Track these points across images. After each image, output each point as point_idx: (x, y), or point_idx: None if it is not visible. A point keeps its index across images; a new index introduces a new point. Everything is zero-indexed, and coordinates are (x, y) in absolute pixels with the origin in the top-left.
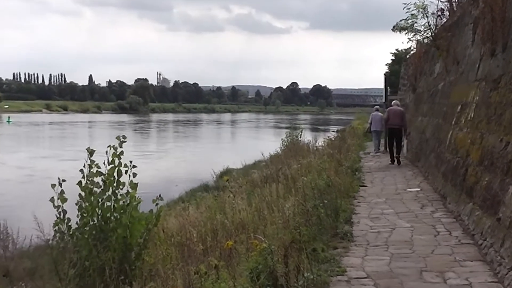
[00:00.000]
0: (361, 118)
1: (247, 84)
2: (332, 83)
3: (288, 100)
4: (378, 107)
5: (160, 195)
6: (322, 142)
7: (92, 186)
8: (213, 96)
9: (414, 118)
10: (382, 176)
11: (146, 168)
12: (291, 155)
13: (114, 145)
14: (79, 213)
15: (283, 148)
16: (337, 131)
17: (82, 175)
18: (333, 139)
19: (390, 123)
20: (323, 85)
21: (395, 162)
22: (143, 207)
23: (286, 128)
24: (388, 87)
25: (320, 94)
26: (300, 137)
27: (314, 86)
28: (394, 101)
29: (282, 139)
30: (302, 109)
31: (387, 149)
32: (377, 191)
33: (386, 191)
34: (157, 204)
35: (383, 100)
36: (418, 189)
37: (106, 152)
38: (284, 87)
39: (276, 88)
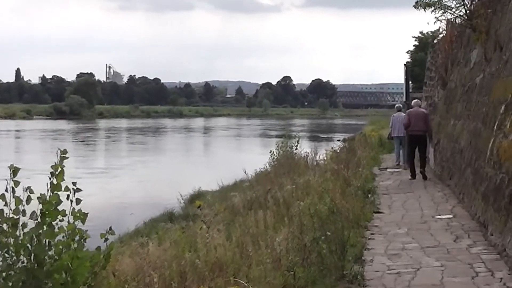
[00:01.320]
0: (376, 123)
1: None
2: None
3: (279, 100)
4: (400, 106)
5: (110, 228)
6: (325, 155)
7: (17, 216)
8: (180, 95)
9: (444, 122)
10: (403, 199)
11: (92, 191)
12: (283, 172)
13: (56, 162)
14: (1, 252)
15: (273, 163)
16: (343, 140)
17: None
18: (338, 150)
19: (412, 129)
20: (324, 80)
21: (422, 177)
22: (88, 243)
23: (277, 136)
24: (410, 82)
25: (321, 91)
26: (296, 148)
27: (313, 81)
28: (414, 101)
29: (271, 151)
30: (297, 111)
31: (408, 161)
32: (396, 219)
33: (408, 219)
34: (106, 240)
35: (404, 99)
36: (451, 216)
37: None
38: (274, 82)
39: (263, 84)
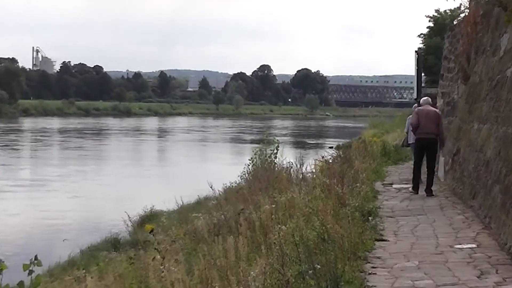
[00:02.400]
0: (378, 126)
1: (186, 69)
2: (329, 68)
3: (255, 96)
4: (416, 105)
5: (36, 257)
6: (313, 166)
7: None
8: (128, 88)
9: (465, 126)
10: (414, 223)
11: (16, 208)
12: (260, 187)
13: None
14: None
15: (247, 176)
16: (337, 148)
17: None
18: (330, 161)
19: (421, 131)
20: (313, 70)
21: (426, 193)
22: (8, 277)
23: (253, 142)
24: (423, 74)
25: (308, 85)
26: (276, 157)
27: (298, 72)
28: (424, 98)
29: (249, 159)
30: (279, 110)
31: (414, 170)
32: (404, 249)
33: (419, 249)
34: (31, 272)
35: (415, 95)
36: (474, 245)
37: None
38: (249, 73)
39: (234, 75)
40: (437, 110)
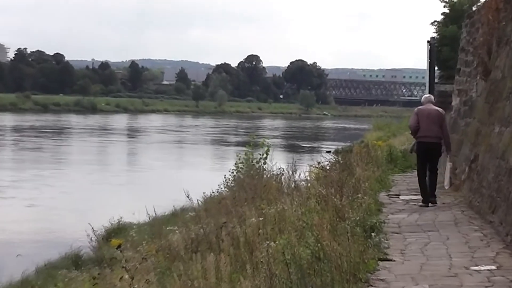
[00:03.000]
0: (384, 128)
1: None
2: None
3: (242, 91)
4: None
5: None
6: (307, 174)
7: None
8: (93, 80)
9: (485, 129)
10: (423, 241)
11: None
12: (246, 197)
13: None
14: None
15: (230, 184)
16: (335, 152)
17: None
18: (328, 167)
19: (422, 134)
20: (309, 62)
21: (429, 202)
22: None
23: (238, 145)
24: (436, 68)
25: (303, 79)
26: (265, 163)
27: (292, 64)
28: (425, 96)
29: (234, 164)
30: (269, 108)
31: (419, 180)
32: (412, 270)
33: (430, 270)
34: None
35: (426, 93)
36: (493, 267)
37: None
38: (234, 64)
39: (217, 66)
40: (440, 110)
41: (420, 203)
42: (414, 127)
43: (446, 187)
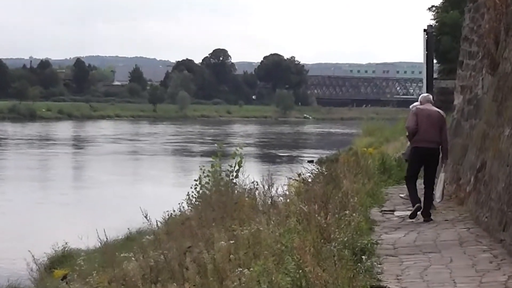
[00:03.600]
0: (375, 133)
1: (112, 55)
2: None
3: (207, 92)
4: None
5: None
6: (286, 188)
7: None
8: (32, 82)
9: (493, 132)
10: (424, 264)
11: None
12: (214, 217)
13: None
14: None
15: (195, 201)
16: (319, 162)
17: None
18: (310, 180)
19: (420, 138)
20: (286, 56)
21: (423, 216)
22: None
23: (204, 155)
24: (435, 61)
25: (280, 77)
26: (236, 176)
27: (266, 59)
28: (423, 95)
29: (196, 180)
30: (239, 111)
31: (409, 187)
32: None
33: None
34: None
35: (424, 90)
36: None
37: None
38: (198, 60)
39: (178, 63)
40: (441, 112)
41: (409, 216)
42: (413, 129)
43: (438, 201)
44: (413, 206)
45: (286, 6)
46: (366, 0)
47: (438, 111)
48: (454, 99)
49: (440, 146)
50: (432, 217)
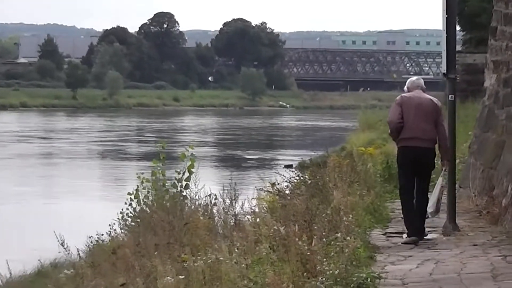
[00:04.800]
0: (376, 126)
1: (16, 22)
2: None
3: (146, 72)
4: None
5: None
6: (256, 202)
7: None
8: None
9: None
10: None
11: None
12: (157, 243)
13: None
14: None
15: (131, 222)
16: (300, 167)
17: None
18: (289, 191)
19: (408, 136)
20: (255, 22)
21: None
22: None
23: (144, 159)
24: (459, 28)
25: (247, 50)
26: (186, 186)
27: (226, 26)
28: (412, 79)
29: (131, 192)
30: (191, 98)
31: (403, 201)
32: None
33: None
34: None
35: (443, 68)
36: None
37: None
38: (133, 29)
39: (106, 32)
40: (435, 100)
41: (405, 239)
42: (396, 124)
43: (429, 215)
44: (407, 229)
45: None
46: None
47: (430, 99)
48: (485, 80)
49: (438, 145)
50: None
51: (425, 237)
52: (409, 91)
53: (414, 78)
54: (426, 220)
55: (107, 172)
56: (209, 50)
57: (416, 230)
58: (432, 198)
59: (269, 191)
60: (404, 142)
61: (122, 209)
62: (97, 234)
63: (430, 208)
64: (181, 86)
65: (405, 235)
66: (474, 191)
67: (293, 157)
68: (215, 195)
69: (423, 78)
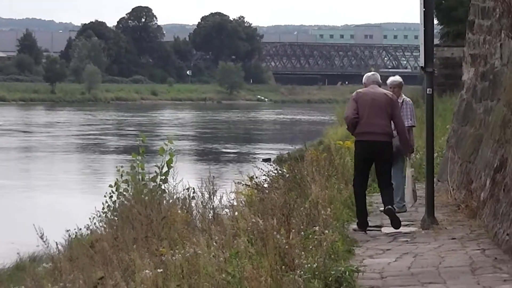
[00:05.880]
0: None
1: None
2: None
3: (124, 66)
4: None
5: None
6: (234, 196)
7: None
8: None
9: None
10: None
11: None
12: (135, 237)
13: None
14: None
15: (109, 215)
16: (278, 161)
17: None
18: (267, 185)
19: (364, 129)
20: (233, 16)
21: (392, 225)
22: None
23: (123, 153)
24: (437, 21)
25: (224, 45)
26: (165, 180)
27: (204, 20)
28: (369, 75)
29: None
30: (168, 92)
31: (356, 196)
32: None
33: None
34: None
35: (421, 62)
36: None
37: None
38: (111, 23)
39: (84, 26)
40: (390, 94)
41: (355, 227)
42: (351, 119)
43: (409, 206)
44: (358, 221)
45: None
46: None
47: (385, 94)
48: (463, 73)
49: (394, 138)
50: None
51: (402, 230)
52: (365, 86)
53: (370, 73)
54: (404, 213)
55: (87, 166)
56: (187, 44)
57: (364, 220)
58: (407, 190)
59: (247, 185)
60: (360, 137)
61: (103, 203)
62: (75, 228)
63: (410, 203)
64: (159, 80)
65: (383, 228)
66: (452, 185)
67: (271, 151)
68: (194, 188)
69: (400, 72)
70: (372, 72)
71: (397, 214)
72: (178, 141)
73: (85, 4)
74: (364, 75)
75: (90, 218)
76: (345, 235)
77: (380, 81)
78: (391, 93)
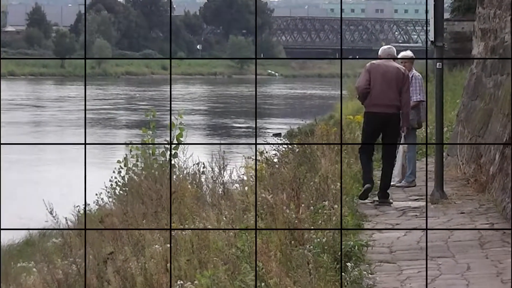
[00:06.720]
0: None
1: None
2: None
3: (134, 40)
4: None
5: None
6: (244, 171)
7: None
8: None
9: None
10: (431, 273)
11: None
12: (145, 212)
13: None
14: None
15: (119, 191)
16: (288, 136)
17: None
18: (276, 160)
19: (375, 102)
20: None
21: (379, 196)
22: None
23: (133, 127)
24: None
25: (235, 20)
26: (175, 155)
27: None
28: (384, 48)
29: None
30: (179, 66)
31: (363, 162)
32: None
33: None
34: None
35: (431, 36)
36: None
37: None
38: None
39: (94, 1)
40: (402, 68)
41: (359, 196)
42: (364, 89)
43: (395, 181)
44: (363, 185)
45: None
46: None
47: (397, 68)
48: (473, 48)
49: (401, 112)
50: (391, 199)
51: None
52: (380, 58)
53: (386, 46)
54: (413, 188)
55: (98, 140)
56: (197, 18)
57: (368, 179)
58: (397, 166)
59: (257, 160)
60: (370, 108)
61: (110, 179)
62: (81, 204)
63: (397, 176)
64: (169, 54)
65: (410, 202)
66: (461, 159)
67: (282, 125)
68: (203, 164)
69: (411, 47)
70: (388, 46)
71: (407, 189)
72: (188, 116)
73: None
74: (378, 49)
75: (96, 194)
76: (354, 210)
77: (396, 55)
78: (404, 67)
